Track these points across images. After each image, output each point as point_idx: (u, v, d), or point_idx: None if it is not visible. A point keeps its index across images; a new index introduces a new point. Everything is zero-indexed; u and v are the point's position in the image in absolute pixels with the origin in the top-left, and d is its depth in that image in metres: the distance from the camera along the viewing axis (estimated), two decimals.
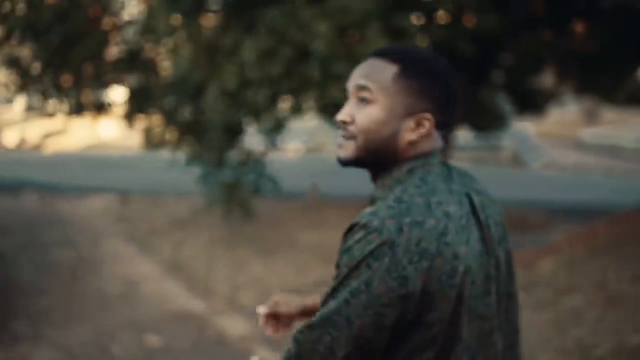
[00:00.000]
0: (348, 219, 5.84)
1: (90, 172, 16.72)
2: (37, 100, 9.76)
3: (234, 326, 5.93)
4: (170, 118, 8.52)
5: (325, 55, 5.39)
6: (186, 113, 8.33)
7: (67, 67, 8.22)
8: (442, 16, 6.37)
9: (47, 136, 25.90)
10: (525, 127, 19.18)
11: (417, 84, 1.46)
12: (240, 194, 7.84)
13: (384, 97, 1.46)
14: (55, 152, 22.72)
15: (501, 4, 6.39)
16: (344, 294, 1.37)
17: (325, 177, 12.41)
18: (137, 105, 8.99)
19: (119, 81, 9.06)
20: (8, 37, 9.27)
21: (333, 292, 1.40)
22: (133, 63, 8.75)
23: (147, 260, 8.10)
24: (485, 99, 10.27)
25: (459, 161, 14.54)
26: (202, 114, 7.83)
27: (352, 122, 1.50)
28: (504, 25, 6.25)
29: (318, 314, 1.42)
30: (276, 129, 6.74)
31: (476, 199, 1.48)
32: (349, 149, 1.51)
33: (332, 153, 16.95)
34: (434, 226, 1.36)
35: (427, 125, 1.46)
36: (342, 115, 1.52)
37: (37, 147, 24.25)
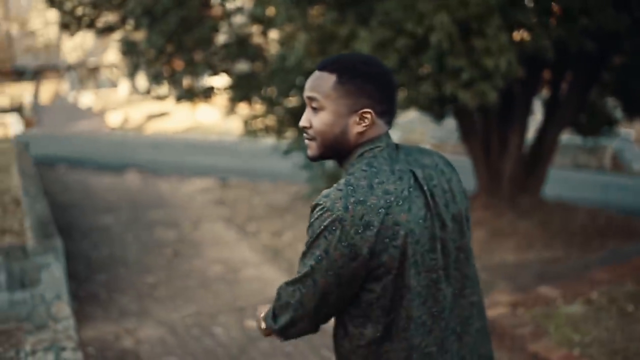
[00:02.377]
0: None
1: (189, 154, 17.16)
2: (147, 83, 10.04)
3: None
4: (274, 105, 8.60)
5: (443, 48, 5.31)
6: (293, 101, 8.39)
7: (180, 52, 8.41)
8: (559, 12, 6.16)
9: (149, 118, 26.73)
10: (627, 131, 18.39)
11: (353, 87, 1.80)
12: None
13: (328, 103, 1.82)
14: (156, 134, 23.41)
15: (621, 1, 6.12)
16: (310, 260, 1.76)
17: None
18: (241, 92, 9.11)
19: (226, 68, 9.20)
20: (123, 21, 9.59)
21: (303, 258, 1.80)
22: (240, 50, 8.87)
23: (246, 245, 8.22)
24: (596, 101, 9.87)
25: (559, 165, 14.06)
26: None
27: (310, 127, 1.87)
28: (622, 23, 5.98)
29: (297, 275, 1.81)
30: None
31: (419, 173, 1.81)
32: (312, 148, 1.89)
33: (429, 146, 16.71)
34: (374, 202, 1.70)
35: (369, 117, 1.81)
36: (302, 122, 1.89)
37: (139, 129, 25.03)
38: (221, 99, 9.95)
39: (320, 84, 1.83)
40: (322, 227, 1.72)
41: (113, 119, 27.41)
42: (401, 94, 6.04)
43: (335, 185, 1.77)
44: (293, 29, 5.93)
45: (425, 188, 1.79)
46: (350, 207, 1.70)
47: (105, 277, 7.15)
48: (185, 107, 10.79)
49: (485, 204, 8.90)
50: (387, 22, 5.62)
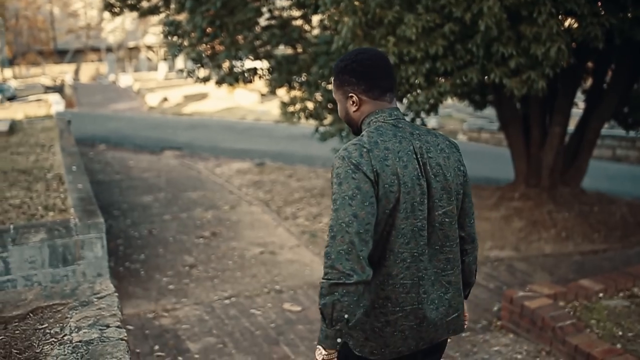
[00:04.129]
0: (485, 205, 5.87)
1: (226, 135, 17.21)
2: (187, 65, 10.06)
3: None
4: (314, 90, 8.56)
5: (491, 35, 5.22)
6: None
7: (222, 35, 8.40)
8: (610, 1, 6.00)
9: (187, 99, 26.89)
10: None
11: (338, 80, 2.38)
12: None
13: (335, 96, 2.43)
14: (193, 115, 23.53)
15: None
16: (345, 201, 2.10)
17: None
18: (281, 76, 9.09)
19: (267, 51, 9.18)
20: (166, 3, 9.62)
21: (335, 204, 2.12)
22: (282, 33, 8.83)
23: (283, 228, 8.23)
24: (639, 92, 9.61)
25: (597, 156, 13.76)
26: None
27: None
28: None
29: (332, 225, 2.11)
30: (431, 108, 6.63)
31: (417, 145, 2.25)
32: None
33: (465, 135, 16.41)
34: (377, 154, 2.17)
35: (354, 98, 2.35)
36: None
37: (177, 110, 25.19)
38: (260, 82, 9.93)
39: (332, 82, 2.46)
40: (347, 170, 2.14)
41: (151, 100, 27.64)
42: (445, 81, 5.97)
43: (350, 142, 2.25)
44: (338, 13, 5.87)
45: (419, 156, 2.24)
46: (363, 154, 2.16)
47: (144, 255, 7.22)
48: (223, 89, 10.80)
49: (524, 194, 8.79)
50: (435, 8, 5.55)
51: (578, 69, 8.30)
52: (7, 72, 33.01)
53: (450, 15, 5.51)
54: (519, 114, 8.86)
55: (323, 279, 2.09)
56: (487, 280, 6.43)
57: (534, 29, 5.21)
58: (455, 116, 21.11)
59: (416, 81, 5.75)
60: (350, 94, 2.34)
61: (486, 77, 5.79)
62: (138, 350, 4.97)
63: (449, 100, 11.75)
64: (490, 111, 14.18)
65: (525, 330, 4.96)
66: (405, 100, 7.05)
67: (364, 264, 2.07)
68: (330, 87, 8.59)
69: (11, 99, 19.40)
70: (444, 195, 2.27)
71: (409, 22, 5.47)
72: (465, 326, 2.55)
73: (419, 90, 6.10)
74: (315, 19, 9.08)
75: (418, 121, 9.13)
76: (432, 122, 18.03)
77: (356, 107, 2.35)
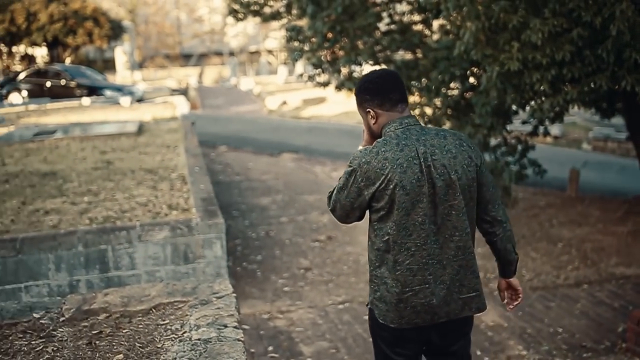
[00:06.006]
0: (610, 219, 5.57)
1: (342, 140, 17.29)
2: (307, 70, 10.17)
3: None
4: (434, 95, 8.45)
5: (624, 39, 4.97)
6: (455, 90, 8.20)
7: (343, 40, 8.45)
8: None
9: (306, 103, 27.24)
10: None
11: (358, 99, 2.79)
12: (503, 179, 7.54)
13: (359, 112, 2.82)
14: (311, 118, 23.80)
15: None
16: (338, 187, 2.72)
17: (582, 170, 11.63)
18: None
19: (387, 56, 9.14)
20: (288, 9, 9.78)
21: (336, 188, 2.74)
22: (402, 38, 8.78)
23: None
24: None
25: None
26: (471, 92, 7.68)
27: None
28: None
29: (331, 193, 2.79)
30: (556, 116, 6.39)
31: (421, 150, 2.58)
32: None
33: (590, 145, 15.66)
34: (375, 164, 2.57)
35: (372, 112, 2.72)
36: None
37: (296, 113, 25.55)
38: None
39: None
40: (347, 170, 2.66)
41: (271, 103, 28.17)
42: (571, 89, 5.73)
43: (361, 150, 2.67)
44: (461, 18, 5.77)
45: (422, 161, 2.57)
46: (361, 164, 2.61)
47: (261, 257, 7.36)
48: (341, 93, 10.84)
49: None
50: (562, 12, 5.35)
51: None
52: (137, 75, 34.59)
53: (579, 20, 5.29)
54: None
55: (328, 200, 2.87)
56: (611, 299, 6.12)
57: None
58: (580, 124, 20.30)
59: (541, 88, 5.56)
60: (368, 110, 2.73)
61: (617, 84, 5.52)
62: (253, 350, 5.07)
63: (574, 108, 11.31)
64: (617, 120, 13.53)
65: None
66: (527, 108, 6.82)
67: (339, 221, 2.82)
68: (450, 92, 8.48)
69: (140, 100, 20.30)
70: (449, 191, 2.59)
71: (534, 27, 5.29)
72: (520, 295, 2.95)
73: (543, 98, 5.89)
74: (436, 23, 8.97)
75: (541, 129, 8.83)
76: (555, 130, 17.39)
77: (374, 120, 2.72)
